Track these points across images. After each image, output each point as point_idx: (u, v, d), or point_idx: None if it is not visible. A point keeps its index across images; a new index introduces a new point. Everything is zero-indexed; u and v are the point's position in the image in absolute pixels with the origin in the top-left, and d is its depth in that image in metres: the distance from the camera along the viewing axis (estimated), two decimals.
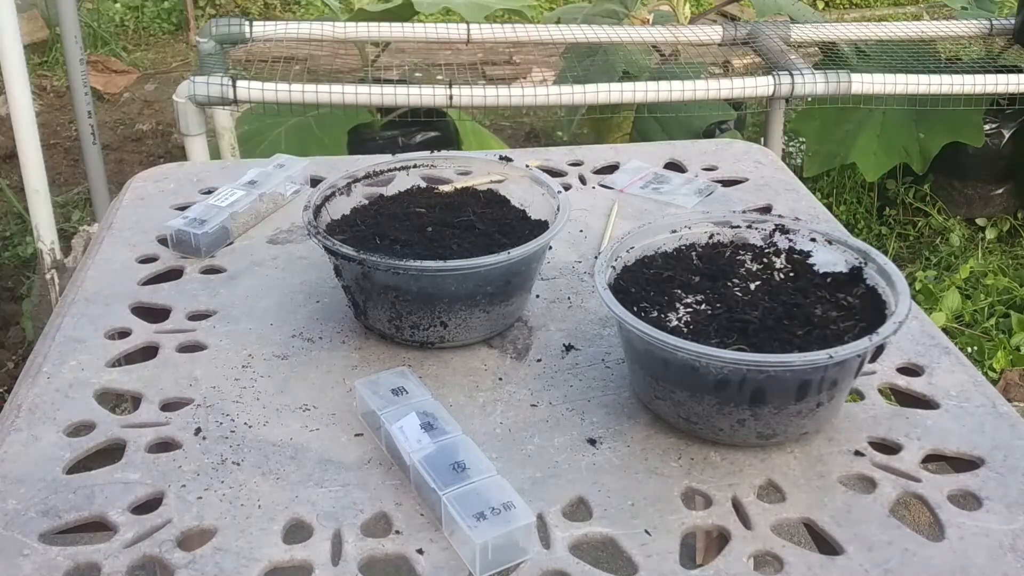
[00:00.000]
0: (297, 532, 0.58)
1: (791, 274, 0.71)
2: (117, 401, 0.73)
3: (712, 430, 0.64)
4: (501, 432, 0.67)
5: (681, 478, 0.63)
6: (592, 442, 0.66)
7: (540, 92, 1.61)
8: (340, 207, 0.80)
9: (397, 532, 0.58)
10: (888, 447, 0.66)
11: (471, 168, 0.88)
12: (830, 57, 2.12)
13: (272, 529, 0.58)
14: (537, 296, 0.82)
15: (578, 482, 0.62)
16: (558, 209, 0.76)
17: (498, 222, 0.79)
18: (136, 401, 0.70)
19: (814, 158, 2.26)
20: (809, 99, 1.76)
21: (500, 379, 0.72)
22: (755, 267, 0.72)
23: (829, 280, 0.69)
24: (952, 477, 0.63)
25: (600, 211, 0.97)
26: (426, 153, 0.87)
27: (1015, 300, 2.21)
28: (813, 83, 1.64)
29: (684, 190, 1.01)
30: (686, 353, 0.59)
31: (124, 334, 0.77)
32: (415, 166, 0.86)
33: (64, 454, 0.64)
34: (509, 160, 0.85)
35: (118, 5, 4.25)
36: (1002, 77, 1.68)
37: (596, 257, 0.70)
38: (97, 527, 0.59)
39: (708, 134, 2.34)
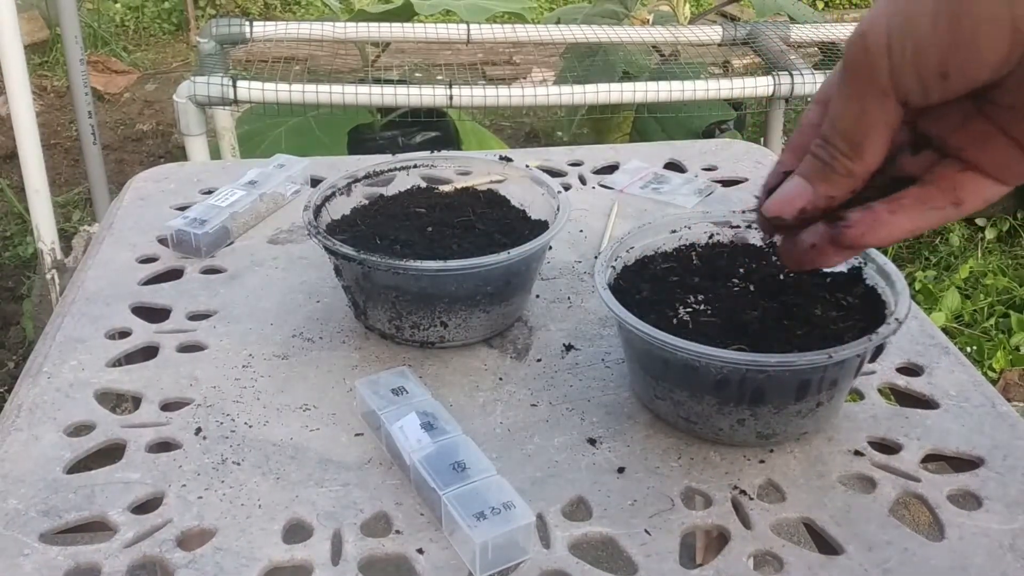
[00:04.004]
0: (297, 532, 0.59)
1: (791, 274, 0.71)
2: (117, 401, 0.73)
3: (712, 430, 0.64)
4: (501, 432, 0.67)
5: (681, 478, 0.63)
6: (592, 442, 0.66)
7: (540, 92, 1.61)
8: (340, 207, 0.80)
9: (397, 532, 0.58)
10: (888, 447, 0.66)
11: (471, 168, 0.88)
12: (830, 57, 2.12)
13: (272, 529, 0.58)
14: (537, 296, 0.82)
15: (578, 482, 0.62)
16: (558, 209, 0.76)
17: (498, 222, 0.79)
18: (136, 401, 0.70)
19: None
20: (809, 99, 1.76)
21: (500, 379, 0.72)
22: (755, 267, 0.72)
23: (829, 280, 0.69)
24: (952, 477, 0.63)
25: (600, 211, 0.97)
26: (426, 153, 0.87)
27: (1015, 300, 2.22)
28: (813, 83, 1.64)
29: (684, 190, 1.01)
30: (686, 353, 0.59)
31: (124, 334, 0.77)
32: (415, 166, 0.86)
33: (64, 454, 0.64)
34: (509, 160, 0.85)
35: (118, 5, 4.26)
36: None
37: (596, 257, 0.70)
38: (97, 527, 0.59)
39: (708, 134, 2.34)
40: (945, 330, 1.81)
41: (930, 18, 0.37)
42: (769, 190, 0.49)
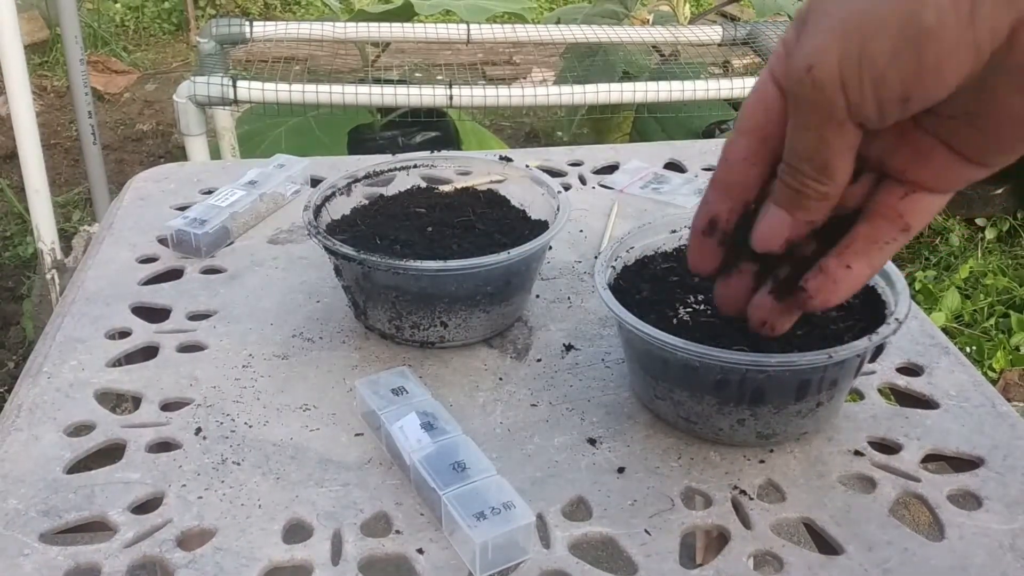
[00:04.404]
0: (297, 532, 0.59)
1: None
2: (117, 401, 0.73)
3: (712, 430, 0.64)
4: (501, 432, 0.67)
5: (681, 478, 0.63)
6: (592, 442, 0.66)
7: (540, 92, 1.61)
8: (340, 207, 0.80)
9: (397, 532, 0.58)
10: (888, 447, 0.66)
11: (471, 168, 0.88)
12: None
13: (272, 529, 0.58)
14: (537, 296, 0.82)
15: (578, 482, 0.62)
16: (558, 209, 0.76)
17: (498, 222, 0.79)
18: (136, 401, 0.70)
19: None
20: None
21: (500, 379, 0.72)
22: None
23: None
24: (952, 477, 0.63)
25: (600, 211, 0.97)
26: (426, 153, 0.87)
27: (1015, 300, 2.22)
28: None
29: (684, 190, 1.01)
30: (686, 353, 0.59)
31: (124, 334, 0.77)
32: (415, 166, 0.86)
33: (64, 454, 0.64)
34: (509, 160, 0.85)
35: (118, 5, 4.26)
36: None
37: (596, 257, 0.70)
38: (97, 527, 0.59)
39: (708, 134, 2.34)
40: (945, 330, 1.81)
41: (889, 50, 0.36)
42: (699, 232, 0.48)
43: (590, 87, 1.62)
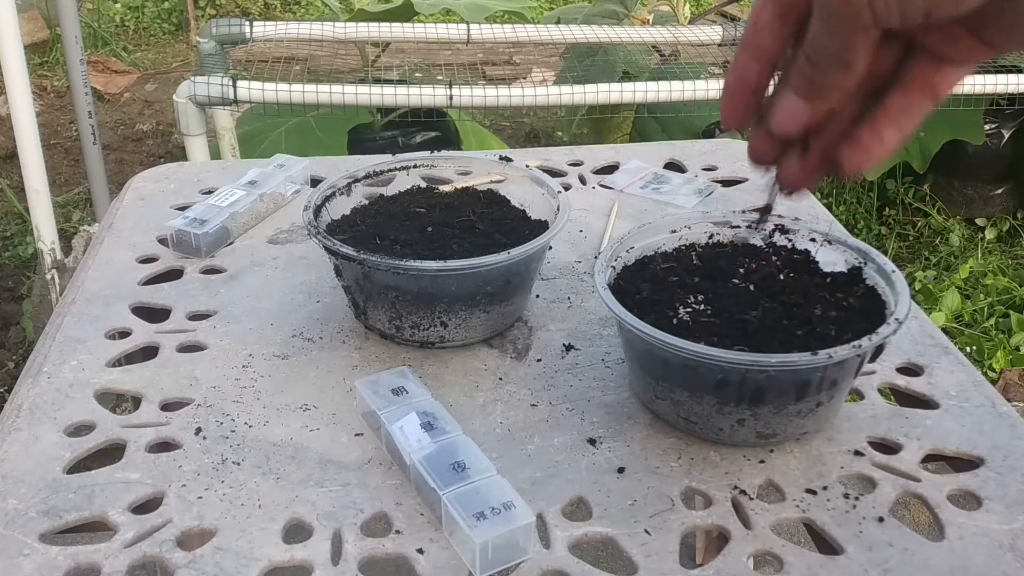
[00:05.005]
0: (297, 532, 0.59)
1: (791, 274, 0.71)
2: (117, 401, 0.73)
3: (712, 430, 0.64)
4: (501, 432, 0.67)
5: (681, 478, 0.63)
6: (592, 442, 0.66)
7: (540, 92, 1.61)
8: (340, 207, 0.80)
9: (397, 532, 0.58)
10: (888, 447, 0.66)
11: (471, 168, 0.88)
12: None
13: (272, 529, 0.58)
14: (537, 296, 0.82)
15: (578, 482, 0.62)
16: (558, 209, 0.76)
17: (498, 222, 0.79)
18: (136, 401, 0.70)
19: None
20: None
21: (500, 379, 0.72)
22: (755, 267, 0.72)
23: (829, 280, 0.69)
24: (952, 477, 0.63)
25: (600, 211, 0.97)
26: (426, 153, 0.87)
27: (1014, 300, 2.21)
28: None
29: (684, 190, 1.01)
30: (686, 353, 0.59)
31: (124, 334, 0.77)
32: (415, 166, 0.86)
33: (64, 454, 0.64)
34: (509, 160, 0.85)
35: (118, 5, 4.26)
36: (1002, 77, 1.68)
37: (596, 257, 0.70)
38: (97, 527, 0.60)
39: (708, 134, 2.34)
40: (945, 330, 1.81)
41: None
42: (731, 89, 0.49)
43: (590, 87, 1.62)
